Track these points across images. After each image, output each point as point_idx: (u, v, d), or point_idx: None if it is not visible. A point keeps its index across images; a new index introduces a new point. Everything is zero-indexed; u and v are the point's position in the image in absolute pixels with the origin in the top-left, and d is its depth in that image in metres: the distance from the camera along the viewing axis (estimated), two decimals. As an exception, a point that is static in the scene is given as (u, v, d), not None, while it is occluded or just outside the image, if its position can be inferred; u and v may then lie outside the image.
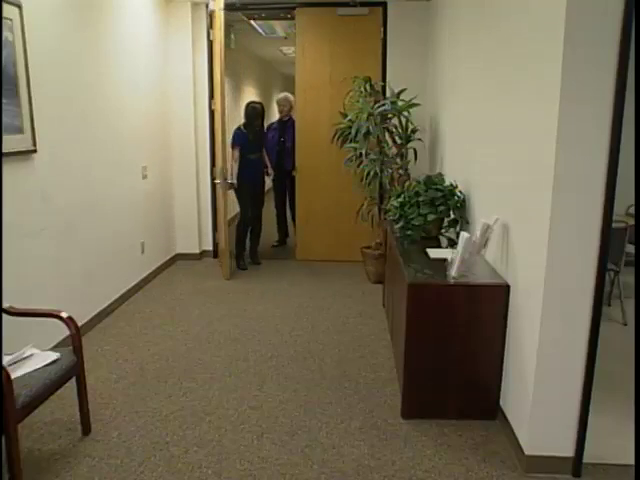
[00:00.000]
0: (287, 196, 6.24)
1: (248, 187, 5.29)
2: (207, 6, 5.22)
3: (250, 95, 9.88)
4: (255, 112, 5.28)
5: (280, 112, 6.01)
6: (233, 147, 5.21)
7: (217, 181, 5.03)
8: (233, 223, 5.90)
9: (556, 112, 1.99)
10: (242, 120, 5.41)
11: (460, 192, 3.38)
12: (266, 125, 6.01)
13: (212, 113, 5.42)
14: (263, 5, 5.32)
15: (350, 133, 4.53)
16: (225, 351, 3.45)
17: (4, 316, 2.40)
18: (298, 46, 5.37)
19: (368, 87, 4.62)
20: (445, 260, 2.83)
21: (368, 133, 4.47)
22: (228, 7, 5.21)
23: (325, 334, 3.75)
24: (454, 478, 2.25)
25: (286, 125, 5.96)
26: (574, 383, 2.18)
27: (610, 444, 2.40)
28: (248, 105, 5.35)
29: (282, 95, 6.04)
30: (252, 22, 6.67)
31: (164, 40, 5.15)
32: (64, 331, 2.56)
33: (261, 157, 5.48)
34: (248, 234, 5.46)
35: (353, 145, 4.55)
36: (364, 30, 5.24)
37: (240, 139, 5.22)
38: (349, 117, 4.61)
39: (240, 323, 3.91)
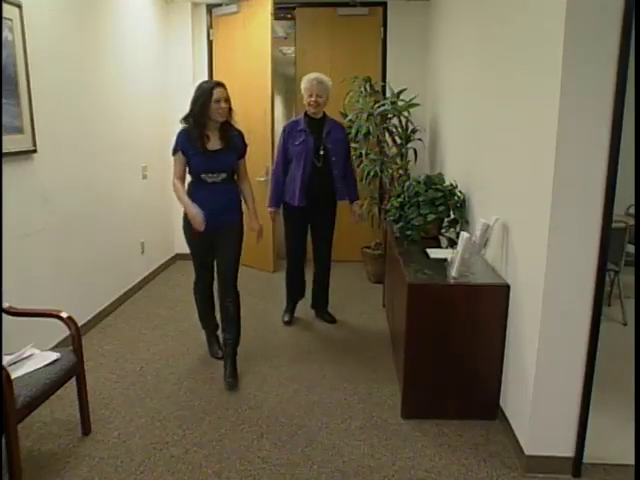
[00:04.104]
0: (318, 242, 3.87)
1: (201, 236, 3.01)
2: (207, 6, 5.24)
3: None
4: (207, 90, 2.89)
5: (311, 104, 3.56)
6: (175, 160, 3.10)
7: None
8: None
9: (556, 112, 1.99)
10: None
11: (460, 192, 3.38)
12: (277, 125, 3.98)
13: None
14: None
15: (350, 133, 4.53)
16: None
17: (4, 316, 2.39)
18: (298, 46, 5.37)
19: (368, 87, 4.62)
20: (445, 260, 2.83)
21: (368, 133, 4.48)
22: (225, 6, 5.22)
23: (325, 334, 3.75)
24: (454, 478, 2.25)
25: (322, 126, 3.60)
26: (574, 383, 2.18)
27: (610, 444, 2.40)
28: (200, 84, 2.99)
29: (313, 77, 3.56)
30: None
31: (164, 40, 5.15)
32: (64, 331, 2.56)
33: (230, 180, 3.09)
34: (210, 308, 3.41)
35: (353, 145, 4.56)
36: (364, 30, 5.24)
37: (183, 144, 3.00)
38: (349, 117, 4.61)
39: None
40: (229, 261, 3.10)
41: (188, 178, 3.09)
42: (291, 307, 4.01)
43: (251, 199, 3.26)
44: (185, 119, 2.99)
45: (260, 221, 3.29)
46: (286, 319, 3.94)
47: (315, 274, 3.99)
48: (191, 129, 2.96)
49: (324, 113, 3.66)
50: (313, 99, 3.55)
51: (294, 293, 4.00)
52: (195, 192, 3.03)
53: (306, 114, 3.65)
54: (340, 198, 3.76)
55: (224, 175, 3.02)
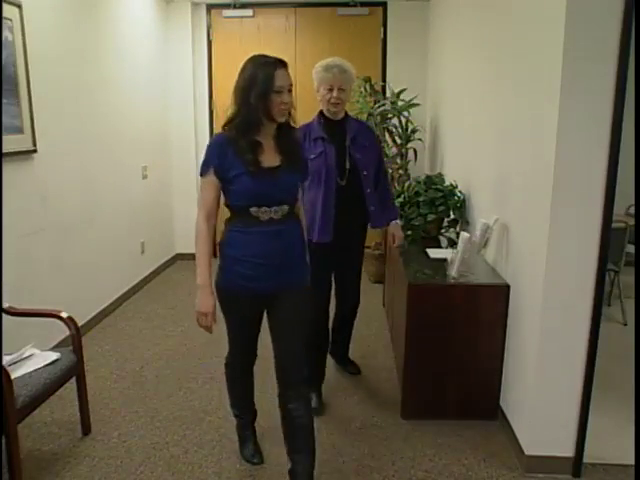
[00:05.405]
0: (345, 275, 2.91)
1: (245, 300, 2.00)
2: (207, 6, 5.24)
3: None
4: (267, 72, 1.85)
5: (332, 102, 2.59)
6: (203, 183, 1.96)
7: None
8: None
9: (556, 112, 1.98)
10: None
11: (460, 192, 3.38)
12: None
13: (212, 113, 5.44)
14: (263, 5, 5.32)
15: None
16: (225, 351, 3.44)
17: (4, 316, 2.39)
18: (298, 46, 5.37)
19: (368, 87, 4.62)
20: (445, 260, 2.83)
21: (368, 133, 4.47)
22: (228, 6, 5.22)
23: (325, 334, 3.75)
24: (454, 478, 2.25)
25: (344, 130, 2.66)
26: (574, 383, 2.17)
27: (610, 444, 2.40)
28: (252, 62, 1.89)
29: (332, 64, 2.61)
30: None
31: (164, 40, 5.15)
32: (64, 331, 2.56)
33: (293, 216, 2.02)
34: (250, 389, 2.36)
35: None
36: (364, 30, 5.24)
37: (219, 159, 1.90)
38: (349, 117, 4.61)
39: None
40: (295, 348, 2.04)
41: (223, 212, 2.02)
42: (317, 391, 2.81)
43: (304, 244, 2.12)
44: (229, 123, 1.92)
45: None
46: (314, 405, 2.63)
47: (338, 314, 3.05)
48: (234, 135, 1.89)
49: (345, 112, 2.71)
50: (335, 94, 2.56)
51: (317, 375, 2.82)
52: (240, 238, 1.94)
53: (322, 115, 2.67)
54: (377, 224, 2.82)
55: (286, 208, 1.95)
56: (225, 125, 1.94)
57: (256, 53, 1.93)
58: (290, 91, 1.90)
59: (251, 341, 2.16)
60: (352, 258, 2.90)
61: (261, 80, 1.83)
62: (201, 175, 1.94)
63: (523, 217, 2.39)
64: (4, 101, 2.77)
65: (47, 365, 2.28)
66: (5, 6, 2.77)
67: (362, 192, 2.68)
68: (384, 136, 4.61)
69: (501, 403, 2.62)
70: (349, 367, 3.18)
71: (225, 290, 1.99)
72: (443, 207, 3.28)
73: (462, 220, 3.34)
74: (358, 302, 3.04)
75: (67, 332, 2.47)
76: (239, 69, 1.89)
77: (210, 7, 5.26)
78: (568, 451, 2.24)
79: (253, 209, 1.90)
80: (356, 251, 2.90)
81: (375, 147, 2.81)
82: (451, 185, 3.40)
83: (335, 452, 2.42)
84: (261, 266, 1.93)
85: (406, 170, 4.61)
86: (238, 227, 1.95)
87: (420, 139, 4.74)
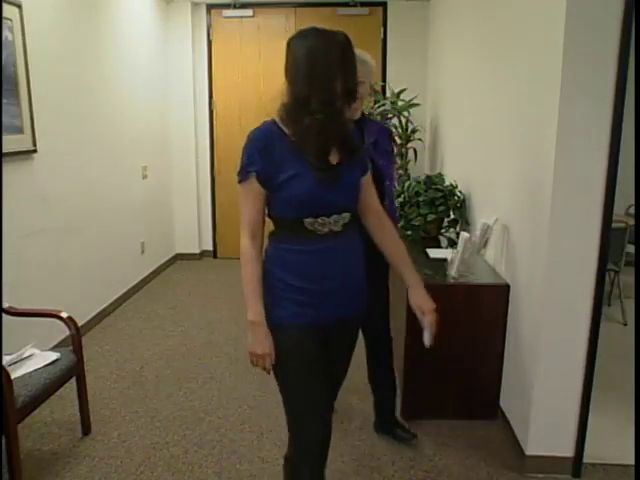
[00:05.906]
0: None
1: (303, 336, 1.58)
2: (207, 6, 5.24)
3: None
4: (351, 49, 1.47)
5: None
6: (243, 193, 1.52)
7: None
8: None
9: (556, 112, 1.98)
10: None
11: (460, 192, 3.38)
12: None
13: (212, 113, 5.44)
14: (263, 5, 5.32)
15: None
16: (225, 351, 3.45)
17: (4, 316, 2.39)
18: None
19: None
20: (445, 260, 2.83)
21: (368, 133, 4.47)
22: (228, 6, 5.22)
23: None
24: (454, 478, 2.25)
25: (361, 132, 2.14)
26: (574, 383, 2.17)
27: (610, 444, 2.40)
28: (302, 35, 1.49)
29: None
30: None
31: (164, 40, 5.15)
32: (64, 331, 2.56)
33: (354, 226, 1.61)
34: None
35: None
36: (364, 30, 5.24)
37: (263, 159, 1.46)
38: (349, 117, 4.61)
39: (240, 323, 3.91)
40: (335, 381, 1.89)
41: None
42: None
43: (404, 251, 1.72)
44: (299, 107, 1.46)
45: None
46: None
47: (372, 364, 2.57)
48: (288, 128, 1.49)
49: (362, 112, 2.34)
50: None
51: None
52: (292, 259, 1.55)
53: None
54: None
55: (347, 216, 1.57)
56: (287, 113, 1.49)
57: (306, 27, 1.51)
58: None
59: (322, 393, 1.63)
60: (376, 293, 2.25)
61: (349, 58, 1.46)
62: (239, 182, 1.52)
63: (523, 217, 2.39)
64: (4, 101, 2.77)
65: (47, 365, 2.28)
66: (5, 6, 2.77)
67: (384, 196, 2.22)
68: (384, 136, 4.62)
69: (501, 403, 2.62)
70: (402, 432, 2.50)
71: (276, 327, 1.56)
72: (443, 207, 3.28)
73: (462, 220, 3.34)
74: (391, 339, 2.60)
75: (67, 332, 2.47)
76: (296, 47, 1.48)
77: (210, 7, 5.26)
78: (568, 451, 2.24)
79: (308, 220, 1.50)
80: (381, 285, 2.38)
81: (392, 154, 2.51)
82: (451, 185, 3.39)
83: (335, 452, 2.41)
84: (320, 292, 1.55)
85: (406, 170, 4.61)
86: (288, 244, 1.54)
87: (420, 139, 4.74)
